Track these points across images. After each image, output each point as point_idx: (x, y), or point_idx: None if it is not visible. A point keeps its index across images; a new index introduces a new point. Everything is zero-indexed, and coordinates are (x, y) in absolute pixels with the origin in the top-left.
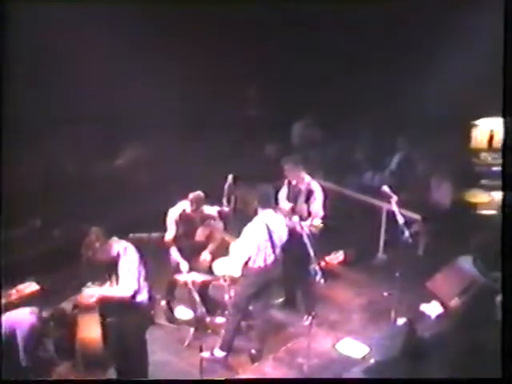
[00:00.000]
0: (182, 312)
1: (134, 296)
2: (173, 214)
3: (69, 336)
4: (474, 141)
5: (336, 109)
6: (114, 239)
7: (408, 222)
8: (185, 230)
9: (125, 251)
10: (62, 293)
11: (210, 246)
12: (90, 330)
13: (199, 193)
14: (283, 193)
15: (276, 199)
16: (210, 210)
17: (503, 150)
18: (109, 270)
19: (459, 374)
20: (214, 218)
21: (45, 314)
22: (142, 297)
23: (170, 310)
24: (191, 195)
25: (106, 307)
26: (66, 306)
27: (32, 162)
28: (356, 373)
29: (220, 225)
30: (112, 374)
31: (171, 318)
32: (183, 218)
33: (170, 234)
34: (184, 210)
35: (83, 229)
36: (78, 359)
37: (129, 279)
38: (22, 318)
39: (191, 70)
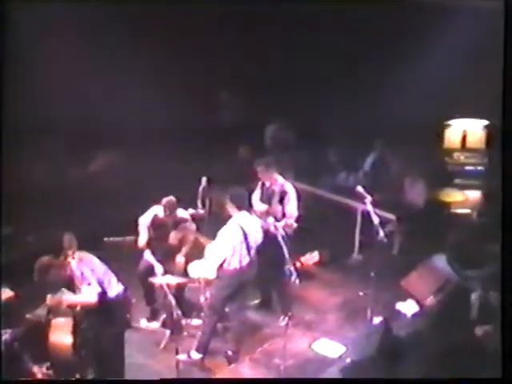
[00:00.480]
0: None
1: (101, 300)
2: (144, 219)
3: (42, 340)
4: (447, 141)
5: (309, 111)
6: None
7: (383, 222)
8: (158, 234)
9: (78, 265)
10: (37, 299)
11: (184, 249)
12: (62, 336)
13: (171, 198)
14: (257, 195)
15: (250, 201)
16: (183, 213)
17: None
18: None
19: (435, 372)
20: (187, 221)
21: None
22: (117, 300)
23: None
24: (164, 200)
25: (82, 312)
26: (41, 312)
27: (3, 169)
28: (333, 372)
29: (193, 227)
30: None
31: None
32: (156, 223)
33: (142, 239)
34: (156, 215)
35: (57, 235)
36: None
37: (89, 286)
38: None
39: (164, 75)
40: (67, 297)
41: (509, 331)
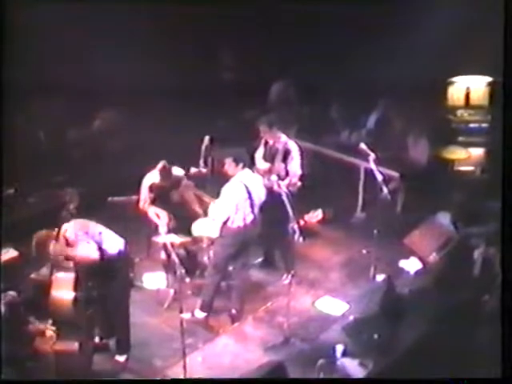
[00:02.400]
0: (151, 278)
1: (103, 258)
2: (143, 192)
3: (47, 298)
4: (450, 98)
5: (312, 69)
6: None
7: (386, 180)
8: (159, 197)
9: (74, 230)
10: (41, 258)
11: (196, 208)
12: (64, 291)
13: (164, 163)
14: (260, 153)
15: (252, 159)
16: (178, 170)
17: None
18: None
19: (436, 329)
20: (183, 179)
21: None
22: (120, 260)
23: None
24: (157, 167)
25: (84, 269)
26: (46, 271)
27: (4, 129)
28: (335, 330)
29: (190, 183)
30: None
31: None
32: (155, 190)
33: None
34: (153, 183)
35: (58, 194)
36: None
37: (88, 244)
38: None
39: (165, 35)
40: (69, 251)
41: (509, 331)
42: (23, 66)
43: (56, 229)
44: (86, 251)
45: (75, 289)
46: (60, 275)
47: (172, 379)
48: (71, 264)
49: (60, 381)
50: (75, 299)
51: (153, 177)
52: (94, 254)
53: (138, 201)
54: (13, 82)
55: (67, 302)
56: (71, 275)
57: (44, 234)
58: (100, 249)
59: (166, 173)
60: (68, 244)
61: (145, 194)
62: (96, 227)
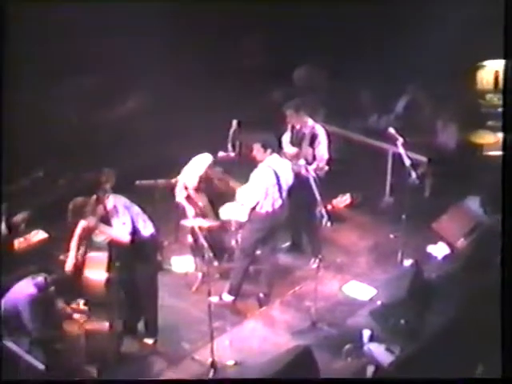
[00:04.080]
0: (179, 262)
1: (134, 240)
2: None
3: (77, 279)
4: (479, 82)
5: (340, 52)
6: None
7: (414, 164)
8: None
9: (114, 203)
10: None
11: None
12: (96, 271)
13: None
14: (287, 137)
15: (280, 144)
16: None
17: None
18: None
19: (464, 314)
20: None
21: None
22: (149, 242)
23: None
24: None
25: (116, 250)
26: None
27: (34, 112)
28: (363, 315)
29: (219, 168)
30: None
31: None
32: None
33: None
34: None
35: (87, 177)
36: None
37: (123, 225)
38: (24, 293)
39: (192, 18)
40: (103, 227)
41: (509, 331)
42: (53, 49)
43: (95, 197)
44: (120, 229)
45: (108, 269)
46: (93, 255)
47: (171, 379)
48: (105, 240)
49: (60, 381)
50: (108, 280)
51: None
52: (127, 233)
53: (166, 184)
54: (41, 65)
55: (100, 282)
56: (105, 255)
57: (81, 201)
58: (133, 228)
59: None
60: (104, 216)
61: (194, 181)
62: (134, 207)
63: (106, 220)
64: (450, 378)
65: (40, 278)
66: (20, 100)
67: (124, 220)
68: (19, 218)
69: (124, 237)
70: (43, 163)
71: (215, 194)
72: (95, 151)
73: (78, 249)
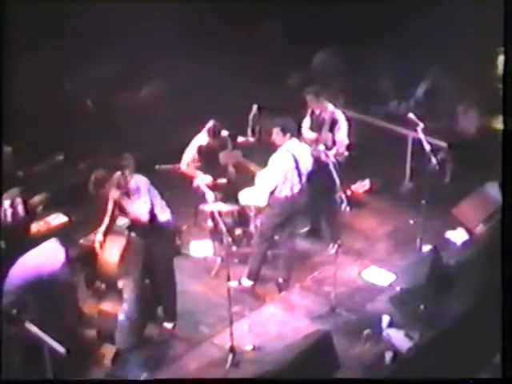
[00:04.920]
0: (198, 246)
1: (152, 219)
2: (188, 156)
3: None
4: (500, 67)
5: (360, 37)
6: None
7: (434, 150)
8: (207, 160)
9: (136, 182)
10: (90, 224)
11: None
12: (112, 255)
13: (213, 122)
14: (306, 122)
15: (299, 129)
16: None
17: None
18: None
19: (482, 300)
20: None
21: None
22: (166, 223)
23: None
24: (207, 127)
25: (135, 235)
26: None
27: (54, 96)
28: (382, 300)
29: (238, 152)
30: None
31: None
32: (202, 152)
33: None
34: (200, 146)
35: (107, 161)
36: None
37: (144, 204)
38: (49, 255)
39: (212, 3)
40: (126, 201)
41: (509, 330)
42: (73, 33)
43: (119, 173)
44: (141, 207)
45: (125, 253)
46: (112, 238)
47: (169, 379)
48: (125, 224)
49: (60, 381)
50: (124, 263)
51: (202, 138)
52: (146, 212)
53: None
54: (61, 50)
55: (115, 265)
56: (123, 239)
57: (103, 174)
58: (152, 209)
59: (214, 132)
60: (126, 194)
61: (192, 154)
62: (155, 191)
63: (126, 196)
64: (449, 378)
65: (71, 251)
66: (41, 85)
67: (145, 199)
68: (36, 199)
69: (143, 215)
70: (63, 147)
71: (234, 178)
72: (115, 136)
73: (109, 225)
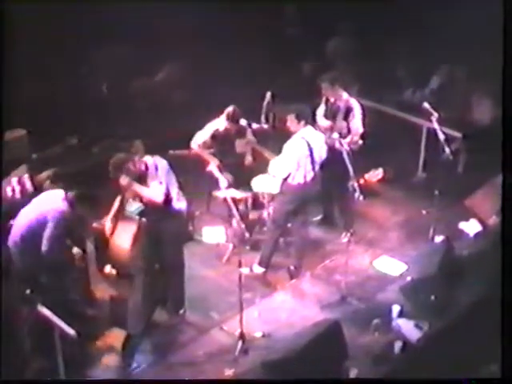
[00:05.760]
0: (211, 232)
1: (166, 202)
2: (201, 137)
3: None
4: None
5: (375, 24)
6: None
7: (448, 140)
8: (223, 147)
9: (155, 163)
10: (104, 207)
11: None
12: (121, 239)
13: (234, 107)
14: (321, 110)
15: (314, 117)
16: (243, 122)
17: None
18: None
19: (494, 292)
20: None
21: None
22: (180, 210)
23: None
24: (226, 110)
25: (147, 220)
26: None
27: (68, 80)
28: (393, 290)
29: (253, 139)
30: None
31: None
32: (218, 136)
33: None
34: (217, 129)
35: (121, 146)
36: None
37: (160, 185)
38: (54, 203)
39: None
40: (137, 186)
41: (509, 330)
42: (87, 17)
43: (137, 157)
44: (156, 188)
45: (136, 239)
46: (124, 223)
47: (170, 380)
48: (138, 209)
49: (60, 381)
50: (135, 249)
51: (219, 123)
52: (162, 193)
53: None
54: (76, 33)
55: (127, 251)
56: (134, 225)
57: (122, 158)
58: (167, 195)
59: (233, 117)
60: (143, 175)
61: (205, 136)
62: (173, 176)
63: (142, 178)
64: (450, 378)
65: (70, 193)
66: (55, 69)
67: (161, 180)
68: (44, 175)
69: (158, 196)
70: (78, 131)
71: (248, 165)
72: (129, 121)
73: (119, 210)
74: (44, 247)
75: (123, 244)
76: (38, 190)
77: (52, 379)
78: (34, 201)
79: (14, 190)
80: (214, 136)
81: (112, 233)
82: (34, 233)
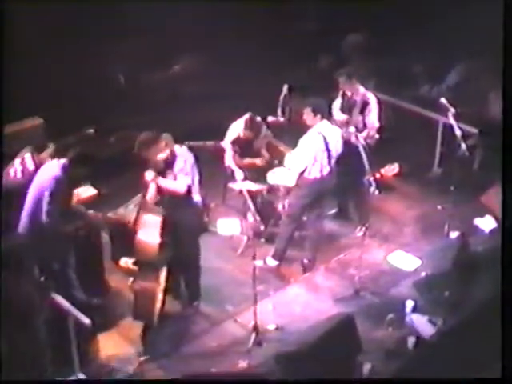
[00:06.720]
0: (226, 224)
1: (188, 193)
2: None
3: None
4: None
5: (392, 19)
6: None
7: (465, 136)
8: (242, 150)
9: (181, 153)
10: (119, 197)
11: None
12: (149, 234)
13: (250, 115)
14: (337, 104)
15: (330, 111)
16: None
17: None
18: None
19: (509, 289)
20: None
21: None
22: (197, 202)
23: None
24: (243, 118)
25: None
26: (123, 210)
27: (87, 71)
28: (406, 285)
29: (269, 133)
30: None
31: None
32: (238, 142)
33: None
34: (238, 135)
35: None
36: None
37: (183, 176)
38: (48, 171)
39: None
40: (162, 180)
41: (509, 331)
42: (108, 8)
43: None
44: (182, 179)
45: (162, 233)
46: (148, 217)
47: (170, 379)
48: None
49: (60, 381)
50: (160, 244)
51: (237, 129)
52: (185, 185)
53: (215, 146)
54: (95, 24)
55: (152, 245)
56: (159, 218)
57: (149, 136)
58: (190, 187)
59: (252, 125)
60: (169, 163)
61: (228, 148)
62: (197, 170)
63: (168, 166)
64: (449, 378)
65: (65, 160)
66: (72, 60)
67: (187, 172)
68: (45, 154)
69: (182, 187)
70: (95, 121)
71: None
72: (146, 111)
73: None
74: (44, 217)
75: (148, 238)
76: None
77: (52, 379)
78: (34, 180)
79: (16, 171)
80: (234, 142)
81: (135, 224)
82: (36, 208)
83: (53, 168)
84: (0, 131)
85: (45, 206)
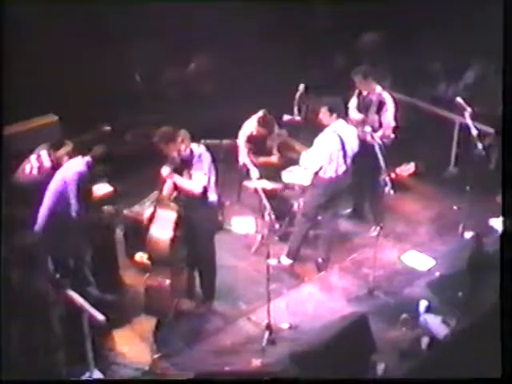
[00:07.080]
0: (240, 223)
1: (204, 193)
2: (241, 138)
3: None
4: None
5: (409, 18)
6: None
7: (481, 135)
8: (255, 147)
9: (199, 152)
10: (135, 195)
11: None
12: (162, 230)
13: (264, 111)
14: (353, 103)
15: (346, 110)
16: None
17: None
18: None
19: None
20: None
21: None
22: (213, 201)
23: None
24: (256, 116)
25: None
26: (139, 208)
27: (103, 69)
28: (420, 285)
29: (283, 132)
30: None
31: None
32: (252, 139)
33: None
34: (251, 132)
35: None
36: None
37: (200, 176)
38: (72, 167)
39: None
40: (178, 178)
41: (509, 330)
42: (120, 8)
43: (181, 138)
44: (199, 179)
45: (175, 229)
46: (162, 213)
47: (171, 380)
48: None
49: (60, 381)
50: (173, 239)
51: (250, 126)
52: (201, 186)
53: (231, 144)
54: (108, 23)
55: (165, 241)
56: (174, 214)
57: (170, 130)
58: (206, 187)
59: (265, 122)
60: (187, 161)
61: (243, 146)
62: (214, 169)
63: (185, 164)
64: (463, 378)
65: (89, 158)
66: (88, 58)
67: (205, 171)
68: (62, 151)
69: (198, 188)
70: (111, 119)
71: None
72: (162, 109)
73: (159, 200)
74: (73, 208)
75: (161, 234)
76: (57, 167)
77: (52, 379)
78: (55, 177)
79: (31, 168)
80: (249, 139)
81: (150, 220)
82: (59, 204)
83: (78, 165)
84: (0, 131)
85: (74, 202)
